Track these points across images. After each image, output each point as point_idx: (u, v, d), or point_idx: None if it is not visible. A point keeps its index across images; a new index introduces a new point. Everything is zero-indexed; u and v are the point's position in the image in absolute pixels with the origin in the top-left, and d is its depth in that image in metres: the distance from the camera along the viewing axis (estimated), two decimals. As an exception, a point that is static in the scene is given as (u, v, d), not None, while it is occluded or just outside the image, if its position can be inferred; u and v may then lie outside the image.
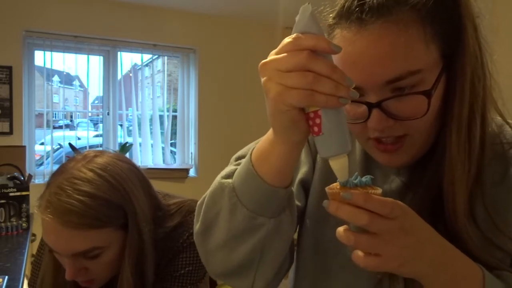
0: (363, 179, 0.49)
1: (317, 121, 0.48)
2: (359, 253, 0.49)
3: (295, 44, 0.46)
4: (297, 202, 0.71)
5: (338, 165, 0.50)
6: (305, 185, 0.74)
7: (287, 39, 0.47)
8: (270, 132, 0.55)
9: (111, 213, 0.87)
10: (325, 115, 0.48)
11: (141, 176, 0.98)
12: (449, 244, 0.54)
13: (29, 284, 1.09)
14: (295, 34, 0.47)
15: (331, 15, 0.61)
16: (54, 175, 0.90)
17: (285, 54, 0.46)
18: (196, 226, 0.63)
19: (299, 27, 0.47)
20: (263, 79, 0.48)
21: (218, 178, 0.62)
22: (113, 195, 0.87)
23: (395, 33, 0.54)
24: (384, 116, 0.57)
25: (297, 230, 0.78)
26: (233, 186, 0.58)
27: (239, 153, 0.69)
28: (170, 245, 0.99)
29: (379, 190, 0.49)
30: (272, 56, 0.48)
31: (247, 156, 0.58)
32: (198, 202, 0.64)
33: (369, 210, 0.47)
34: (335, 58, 0.58)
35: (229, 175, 0.61)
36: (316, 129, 0.48)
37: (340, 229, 0.50)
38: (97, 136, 4.10)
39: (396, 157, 0.62)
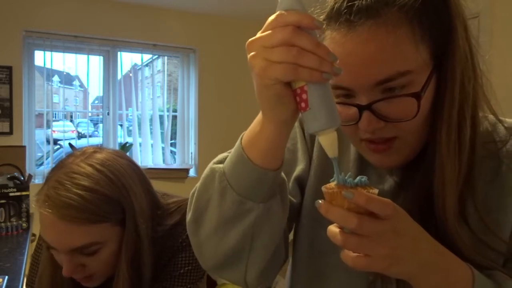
0: (362, 179, 0.49)
1: (304, 96, 0.48)
2: (349, 252, 0.49)
3: (279, 20, 0.46)
4: (292, 199, 0.71)
5: (328, 140, 0.50)
6: (301, 182, 0.74)
7: (271, 17, 0.48)
8: (260, 114, 0.56)
9: (109, 208, 0.86)
10: (311, 90, 0.48)
11: (140, 174, 0.97)
12: (439, 244, 0.54)
13: (27, 284, 1.09)
14: (278, 12, 0.47)
15: (321, 17, 0.61)
16: (53, 170, 0.89)
17: (270, 31, 0.47)
18: (188, 215, 0.63)
19: (282, 5, 0.48)
20: (249, 56, 0.48)
21: (210, 164, 0.62)
22: (112, 190, 0.87)
23: (383, 34, 0.54)
24: (375, 118, 0.57)
25: (293, 229, 0.78)
26: (224, 171, 0.58)
27: None
28: (169, 244, 0.99)
29: (376, 191, 0.49)
30: (258, 34, 0.48)
31: (238, 140, 0.59)
32: (191, 192, 0.64)
33: (369, 210, 0.47)
34: None
35: (221, 161, 0.61)
36: (303, 104, 0.49)
37: (332, 227, 0.50)
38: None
39: (388, 158, 0.63)
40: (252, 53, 0.48)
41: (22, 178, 2.09)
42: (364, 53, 0.55)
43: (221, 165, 0.59)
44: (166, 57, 4.11)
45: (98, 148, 0.94)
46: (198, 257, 0.65)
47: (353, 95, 0.59)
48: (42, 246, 1.05)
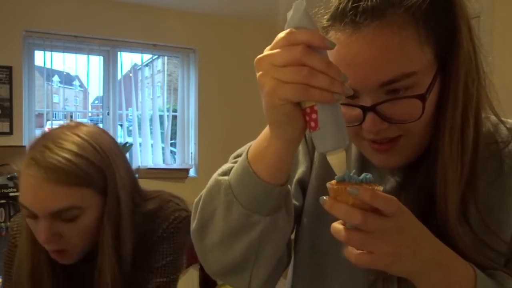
0: (367, 176, 0.49)
1: (314, 116, 0.48)
2: (353, 249, 0.49)
3: (290, 39, 0.46)
4: (294, 202, 0.71)
5: (336, 160, 0.50)
6: (303, 184, 0.74)
7: (281, 34, 0.47)
8: (266, 128, 0.55)
9: (93, 174, 0.88)
10: (322, 110, 0.48)
11: (122, 152, 1.00)
12: (442, 244, 0.54)
13: (3, 282, 1.08)
14: (289, 29, 0.47)
15: (325, 17, 0.61)
16: (39, 138, 0.92)
17: (279, 49, 0.46)
18: (193, 224, 0.63)
19: (292, 23, 0.47)
20: (258, 74, 0.48)
21: (215, 175, 0.62)
22: (96, 157, 0.89)
23: (389, 35, 0.54)
24: (379, 119, 0.57)
25: (294, 230, 0.78)
26: (229, 183, 0.58)
27: (238, 151, 0.70)
28: (149, 232, 1.00)
29: (381, 188, 0.49)
30: (267, 51, 0.48)
31: (244, 153, 0.58)
32: (195, 200, 0.64)
33: (374, 206, 0.47)
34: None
35: (226, 173, 0.61)
36: (313, 124, 0.49)
37: (335, 224, 0.50)
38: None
39: (390, 158, 0.63)
40: (261, 72, 0.48)
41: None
42: (369, 54, 0.55)
43: (226, 177, 0.59)
44: (166, 57, 4.10)
45: (82, 123, 0.97)
46: (203, 263, 0.65)
47: (357, 96, 0.59)
48: (14, 244, 1.05)
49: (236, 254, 0.59)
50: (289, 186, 0.63)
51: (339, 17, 0.57)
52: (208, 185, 0.62)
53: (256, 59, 0.48)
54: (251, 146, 0.58)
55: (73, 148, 0.87)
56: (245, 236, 0.58)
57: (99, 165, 0.89)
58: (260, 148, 0.56)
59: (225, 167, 0.63)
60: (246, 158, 0.57)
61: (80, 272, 0.98)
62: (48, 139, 0.88)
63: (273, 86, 0.46)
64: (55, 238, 0.88)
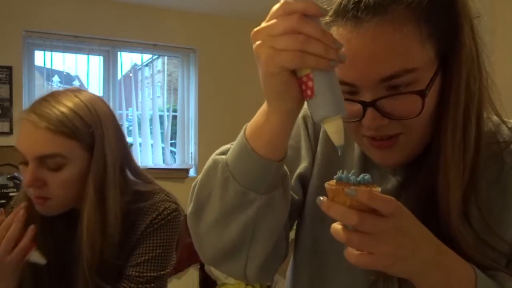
0: (365, 176, 0.49)
1: (310, 84, 0.49)
2: (353, 250, 0.50)
3: (285, 8, 0.47)
4: (293, 195, 0.71)
5: (333, 128, 0.50)
6: (303, 180, 0.74)
7: (276, 6, 0.48)
8: (264, 105, 0.56)
9: (81, 128, 0.96)
10: (317, 78, 0.48)
11: (118, 124, 1.06)
12: (442, 244, 0.54)
13: None
14: (284, 0, 0.48)
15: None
16: (44, 94, 1.01)
17: (275, 20, 0.47)
18: (189, 208, 0.63)
19: None
20: (254, 45, 0.49)
21: (212, 156, 0.62)
22: (86, 115, 0.97)
23: (390, 31, 0.54)
24: (379, 115, 0.58)
25: (295, 229, 0.78)
26: (226, 162, 0.58)
27: None
28: (138, 214, 1.01)
29: (379, 189, 0.49)
30: (263, 24, 0.49)
31: (241, 131, 0.59)
32: (192, 184, 0.64)
33: (372, 207, 0.47)
34: None
35: (223, 152, 0.62)
36: (309, 92, 0.49)
37: (335, 225, 0.50)
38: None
39: (391, 156, 0.62)
40: (258, 42, 0.48)
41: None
42: (370, 49, 0.55)
43: (223, 156, 0.60)
44: (166, 57, 4.10)
45: (85, 90, 1.06)
46: (198, 249, 0.65)
47: (357, 91, 0.59)
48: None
49: (232, 235, 0.59)
50: (288, 175, 0.63)
51: (341, 13, 0.58)
52: (205, 166, 0.62)
53: (253, 31, 0.49)
54: (248, 124, 0.59)
55: (69, 104, 0.96)
56: (241, 214, 0.58)
57: (89, 122, 0.97)
58: (257, 124, 0.56)
59: (223, 148, 0.63)
60: (244, 136, 0.57)
61: (65, 233, 1.02)
62: (51, 96, 0.99)
63: (269, 54, 0.47)
64: (38, 183, 0.94)
